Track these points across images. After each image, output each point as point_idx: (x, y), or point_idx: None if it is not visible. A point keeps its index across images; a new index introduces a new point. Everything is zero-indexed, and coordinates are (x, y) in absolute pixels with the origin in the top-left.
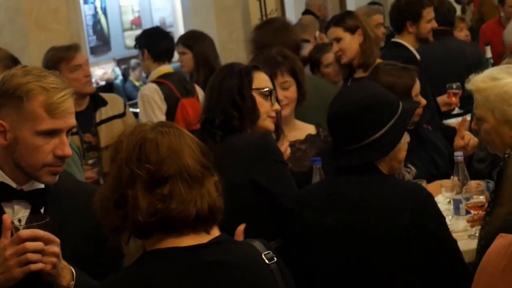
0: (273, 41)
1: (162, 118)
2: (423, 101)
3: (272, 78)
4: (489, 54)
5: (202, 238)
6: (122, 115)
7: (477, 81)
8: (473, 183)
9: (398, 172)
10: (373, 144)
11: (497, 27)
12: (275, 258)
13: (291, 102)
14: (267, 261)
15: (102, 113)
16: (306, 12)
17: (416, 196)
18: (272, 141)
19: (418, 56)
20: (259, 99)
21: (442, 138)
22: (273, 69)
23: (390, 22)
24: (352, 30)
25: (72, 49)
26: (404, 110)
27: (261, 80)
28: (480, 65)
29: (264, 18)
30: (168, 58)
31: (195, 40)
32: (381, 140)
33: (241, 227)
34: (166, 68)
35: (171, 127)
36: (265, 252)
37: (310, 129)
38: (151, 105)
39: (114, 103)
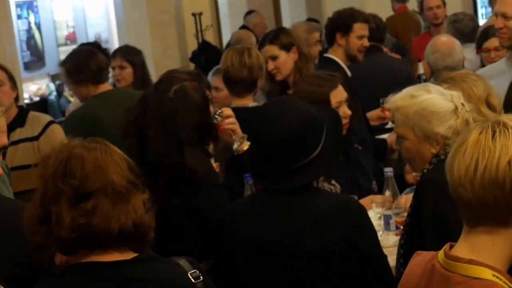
0: None
1: None
2: (348, 112)
3: None
4: (421, 70)
5: (126, 255)
6: (34, 139)
7: (396, 100)
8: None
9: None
10: (316, 159)
11: (427, 39)
12: (201, 277)
13: None
14: (193, 280)
15: (16, 134)
16: (243, 27)
17: (350, 209)
18: (209, 164)
19: (349, 73)
20: None
21: (371, 158)
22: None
23: (324, 36)
24: (287, 48)
25: None
26: (329, 122)
27: None
28: (409, 81)
29: (200, 34)
30: None
31: (135, 54)
32: (320, 156)
33: None
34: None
35: (99, 143)
36: (191, 271)
37: None
38: None
39: (35, 124)
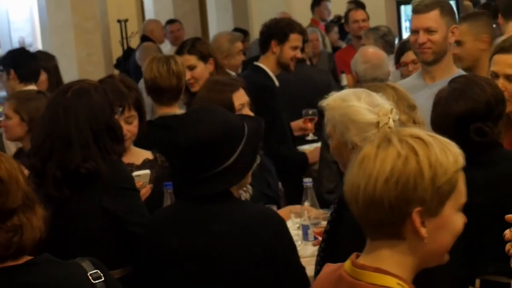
0: None
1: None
2: (251, 114)
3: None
4: (344, 81)
5: (20, 260)
6: None
7: (330, 99)
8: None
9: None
10: (228, 170)
11: (350, 52)
12: (102, 277)
13: (133, 135)
14: (92, 280)
15: None
16: (144, 38)
17: (271, 221)
18: (124, 168)
19: (277, 82)
20: None
21: (271, 159)
22: (122, 101)
23: (258, 42)
24: (205, 59)
25: None
26: (250, 131)
27: None
28: (329, 92)
29: (125, 40)
30: (34, 79)
31: (48, 60)
32: (235, 164)
33: None
34: (32, 89)
35: (1, 155)
36: (92, 271)
37: (147, 154)
38: None
39: None
